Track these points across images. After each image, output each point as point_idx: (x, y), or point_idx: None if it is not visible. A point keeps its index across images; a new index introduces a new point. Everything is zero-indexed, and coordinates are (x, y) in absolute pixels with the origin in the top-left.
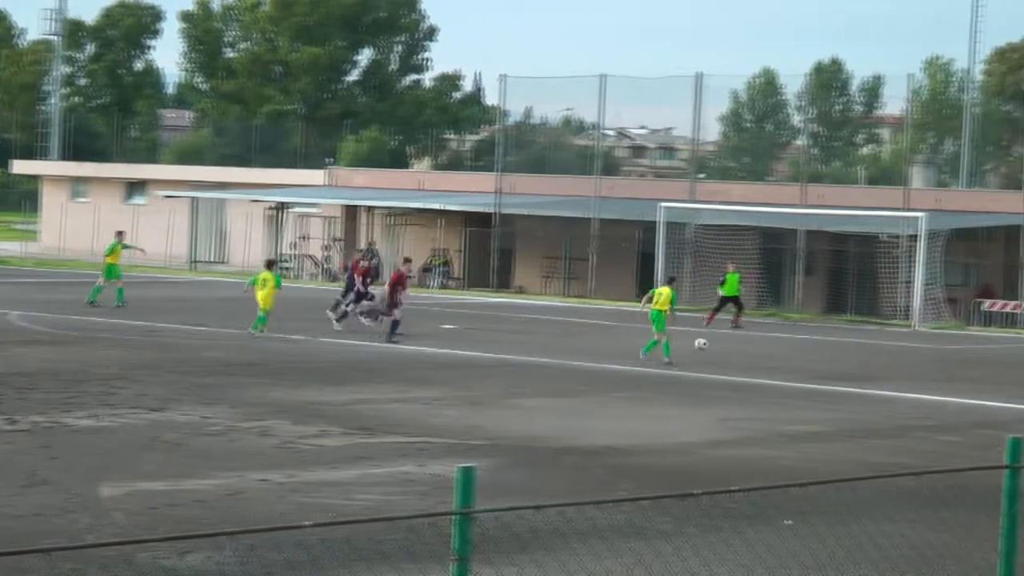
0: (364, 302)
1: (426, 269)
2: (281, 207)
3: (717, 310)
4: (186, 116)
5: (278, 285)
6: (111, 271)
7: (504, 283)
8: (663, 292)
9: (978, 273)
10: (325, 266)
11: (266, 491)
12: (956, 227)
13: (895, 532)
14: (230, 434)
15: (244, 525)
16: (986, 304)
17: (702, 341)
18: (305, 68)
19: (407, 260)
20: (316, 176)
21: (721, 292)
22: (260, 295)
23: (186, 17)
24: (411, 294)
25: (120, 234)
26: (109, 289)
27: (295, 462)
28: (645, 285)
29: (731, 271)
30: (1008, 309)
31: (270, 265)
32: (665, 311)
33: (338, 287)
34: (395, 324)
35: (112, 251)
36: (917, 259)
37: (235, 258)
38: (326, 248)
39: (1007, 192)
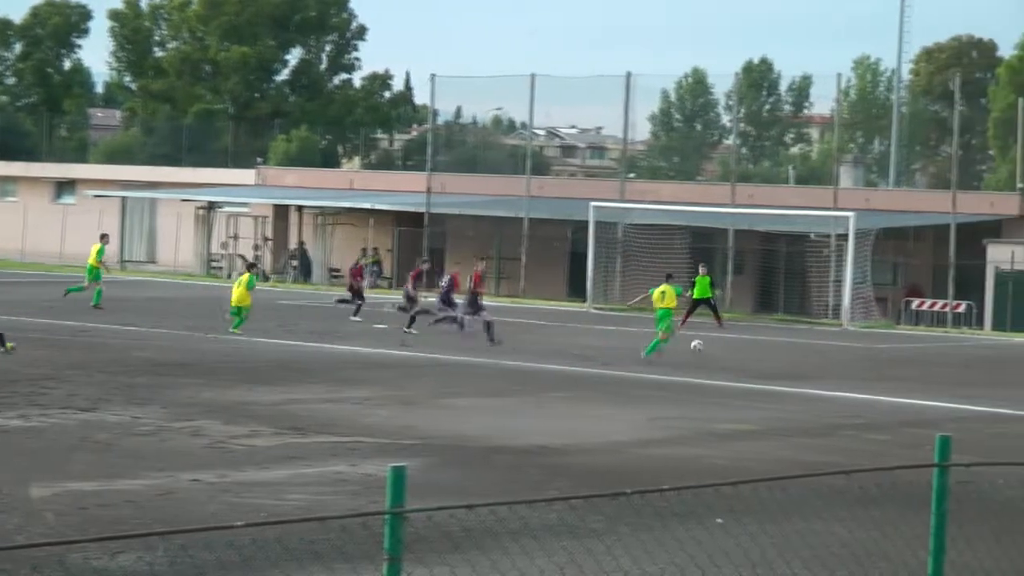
0: (448, 313)
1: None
2: (211, 207)
3: (690, 312)
4: (115, 115)
5: (251, 286)
6: (94, 273)
7: (435, 283)
8: (666, 290)
9: (907, 272)
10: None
11: (197, 491)
12: (885, 226)
13: (826, 530)
14: (161, 434)
15: (175, 525)
16: (915, 303)
17: (698, 343)
18: (235, 67)
19: (482, 259)
20: (246, 176)
21: (692, 295)
22: (236, 294)
23: (115, 16)
24: (342, 293)
25: (104, 237)
26: (89, 290)
27: (226, 462)
28: (576, 284)
29: (702, 274)
30: (937, 308)
31: (251, 267)
32: (673, 308)
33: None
34: (489, 325)
35: (99, 254)
36: (846, 258)
37: (165, 258)
38: (256, 248)
39: (935, 191)
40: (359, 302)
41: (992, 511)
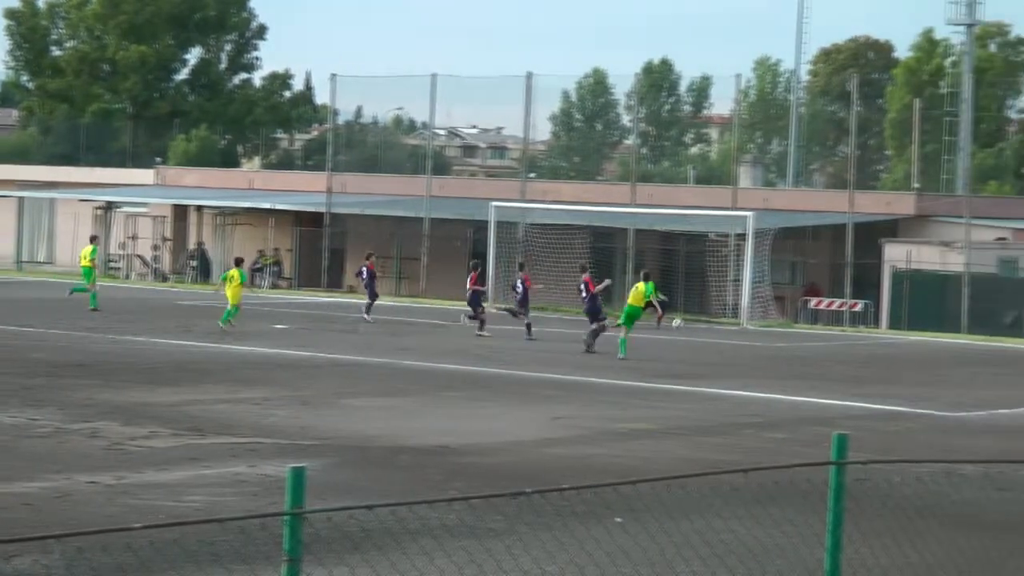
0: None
1: (256, 269)
2: (109, 207)
3: (663, 309)
4: (12, 115)
5: (243, 281)
6: (89, 274)
7: (335, 283)
8: (639, 287)
9: (805, 271)
10: (154, 266)
11: (95, 493)
12: (783, 226)
13: (724, 528)
14: (58, 436)
15: (72, 528)
16: (813, 302)
17: (679, 321)
18: (133, 67)
19: (521, 266)
20: (145, 176)
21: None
22: (229, 291)
23: (11, 14)
24: (244, 294)
25: (95, 239)
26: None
27: (124, 464)
28: None
29: (644, 279)
30: (834, 307)
31: (238, 263)
32: (642, 306)
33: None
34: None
35: (92, 255)
36: (745, 258)
37: (63, 258)
38: (155, 248)
39: (833, 191)
40: (369, 301)
41: (888, 508)
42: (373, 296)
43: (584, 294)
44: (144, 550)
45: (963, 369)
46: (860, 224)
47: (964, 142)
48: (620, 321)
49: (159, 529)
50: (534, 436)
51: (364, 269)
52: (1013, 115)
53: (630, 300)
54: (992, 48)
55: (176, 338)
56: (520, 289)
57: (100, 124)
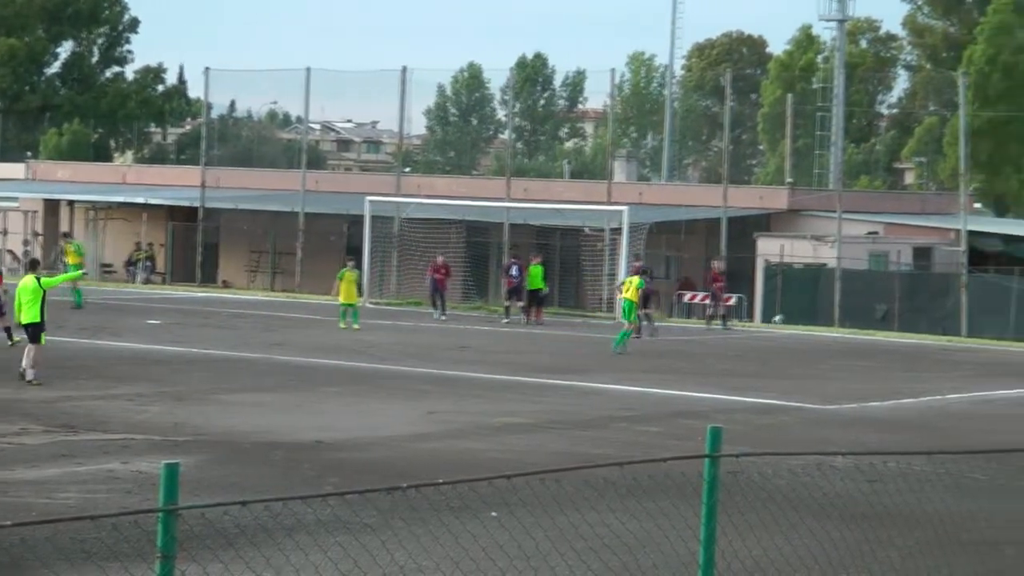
0: None
1: (130, 264)
2: None
3: (535, 305)
4: None
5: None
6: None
7: (209, 278)
8: (631, 282)
9: (679, 266)
10: (24, 260)
11: None
12: (658, 220)
13: (599, 522)
14: None
15: None
16: (687, 296)
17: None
18: (3, 60)
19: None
20: (16, 170)
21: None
22: (344, 291)
23: None
24: (114, 289)
25: (66, 235)
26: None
27: None
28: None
29: (535, 263)
30: (708, 301)
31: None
32: (636, 300)
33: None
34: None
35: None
36: (620, 252)
37: None
38: (26, 243)
39: (707, 186)
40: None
41: (761, 500)
42: None
43: (516, 277)
44: (15, 548)
45: (835, 362)
46: (734, 218)
47: (836, 137)
48: (624, 318)
49: (31, 527)
50: (409, 431)
51: None
52: (884, 110)
53: (625, 295)
54: (863, 44)
55: (48, 334)
56: (516, 275)
57: None
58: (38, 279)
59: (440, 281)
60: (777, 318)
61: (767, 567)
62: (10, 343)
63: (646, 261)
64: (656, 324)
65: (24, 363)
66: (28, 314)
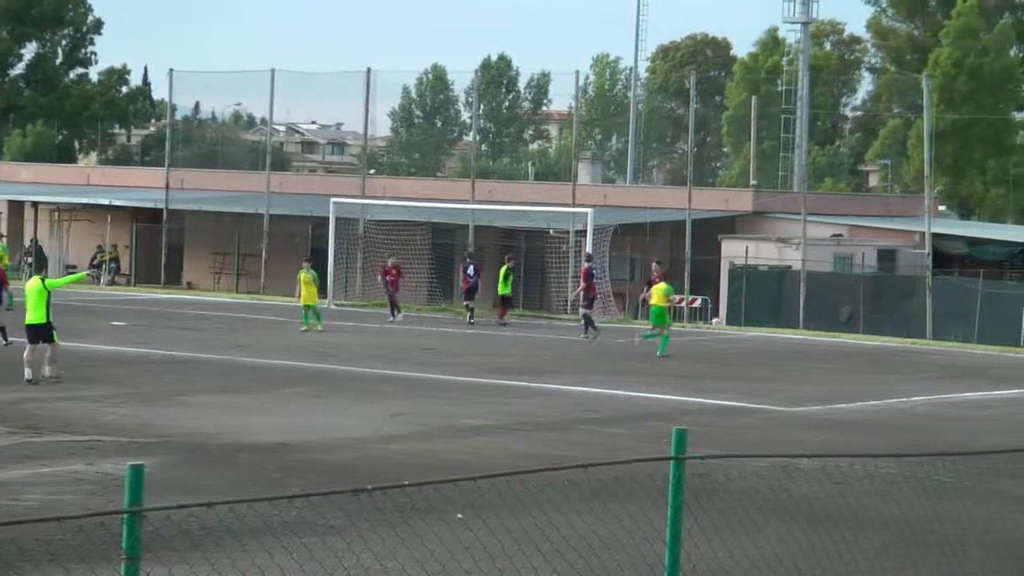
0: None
1: (94, 265)
2: None
3: (506, 306)
4: None
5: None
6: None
7: (174, 279)
8: (660, 287)
9: (644, 267)
10: None
11: None
12: (623, 222)
13: (564, 524)
14: None
15: None
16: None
17: (639, 338)
18: None
19: (589, 258)
20: None
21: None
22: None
23: None
24: (78, 290)
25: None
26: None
27: None
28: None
29: (509, 265)
30: (673, 303)
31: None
32: (665, 306)
33: None
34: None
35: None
36: (585, 254)
37: None
38: None
39: (672, 188)
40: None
41: (726, 503)
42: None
43: (472, 277)
44: None
45: (800, 364)
46: (698, 221)
47: (800, 139)
48: (652, 323)
49: None
50: (374, 433)
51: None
52: (848, 113)
53: (653, 301)
54: (828, 46)
55: (12, 335)
56: (472, 275)
57: None
58: (43, 280)
59: (392, 283)
60: (716, 320)
61: (733, 569)
62: (4, 343)
63: (611, 263)
64: (599, 327)
65: (47, 370)
66: (34, 315)
